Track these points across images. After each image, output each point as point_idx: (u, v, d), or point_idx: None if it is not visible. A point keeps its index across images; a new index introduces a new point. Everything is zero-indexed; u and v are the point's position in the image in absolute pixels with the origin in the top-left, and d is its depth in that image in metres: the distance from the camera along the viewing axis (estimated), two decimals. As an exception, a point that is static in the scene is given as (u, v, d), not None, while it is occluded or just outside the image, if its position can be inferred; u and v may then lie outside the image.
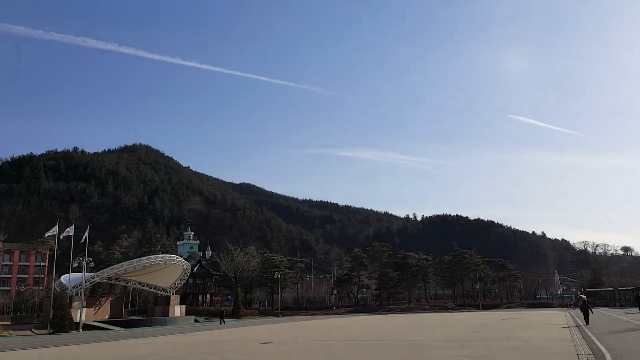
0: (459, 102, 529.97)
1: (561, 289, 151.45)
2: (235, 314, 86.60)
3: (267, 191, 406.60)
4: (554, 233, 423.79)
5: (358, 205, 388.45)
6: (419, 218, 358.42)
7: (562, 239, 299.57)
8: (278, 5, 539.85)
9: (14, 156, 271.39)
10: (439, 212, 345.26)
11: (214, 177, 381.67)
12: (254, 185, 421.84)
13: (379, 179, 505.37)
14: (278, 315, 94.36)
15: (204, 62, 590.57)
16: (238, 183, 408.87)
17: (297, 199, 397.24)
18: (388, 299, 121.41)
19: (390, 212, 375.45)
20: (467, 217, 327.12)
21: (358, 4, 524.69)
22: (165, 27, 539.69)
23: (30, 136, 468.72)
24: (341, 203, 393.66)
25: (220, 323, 63.84)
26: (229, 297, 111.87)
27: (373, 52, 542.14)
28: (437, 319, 60.96)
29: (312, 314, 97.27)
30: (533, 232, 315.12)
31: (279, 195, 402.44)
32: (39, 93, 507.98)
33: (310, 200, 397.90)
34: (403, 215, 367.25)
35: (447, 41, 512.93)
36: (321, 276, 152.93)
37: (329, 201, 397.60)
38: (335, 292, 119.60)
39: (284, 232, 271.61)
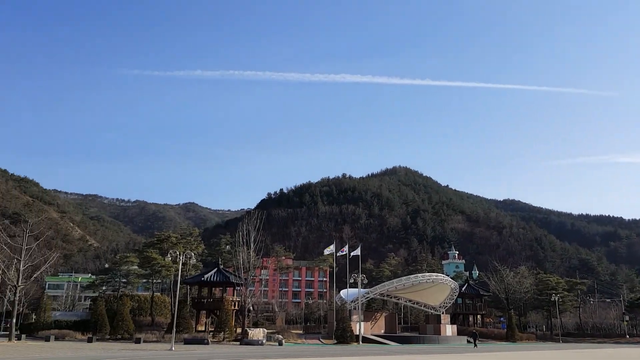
0: None
1: None
2: (509, 338, 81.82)
3: (534, 207, 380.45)
4: None
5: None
6: None
7: None
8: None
9: (297, 185, 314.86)
10: None
11: (475, 194, 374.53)
12: (519, 201, 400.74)
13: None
14: (558, 341, 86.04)
15: (452, 79, 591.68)
16: (501, 200, 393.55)
17: (571, 214, 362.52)
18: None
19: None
20: None
21: None
22: (412, 53, 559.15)
23: (308, 166, 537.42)
24: (626, 217, 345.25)
25: (474, 346, 62.22)
26: (502, 319, 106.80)
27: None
28: None
29: (598, 342, 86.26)
30: None
31: (549, 210, 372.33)
32: (311, 127, 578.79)
33: (587, 214, 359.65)
34: None
35: None
36: (608, 300, 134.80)
37: (610, 215, 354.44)
38: (627, 318, 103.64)
39: (558, 251, 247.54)
